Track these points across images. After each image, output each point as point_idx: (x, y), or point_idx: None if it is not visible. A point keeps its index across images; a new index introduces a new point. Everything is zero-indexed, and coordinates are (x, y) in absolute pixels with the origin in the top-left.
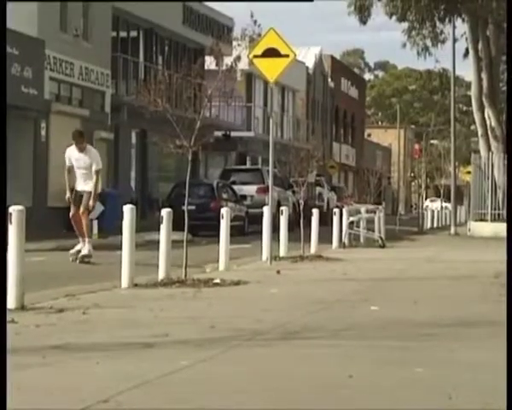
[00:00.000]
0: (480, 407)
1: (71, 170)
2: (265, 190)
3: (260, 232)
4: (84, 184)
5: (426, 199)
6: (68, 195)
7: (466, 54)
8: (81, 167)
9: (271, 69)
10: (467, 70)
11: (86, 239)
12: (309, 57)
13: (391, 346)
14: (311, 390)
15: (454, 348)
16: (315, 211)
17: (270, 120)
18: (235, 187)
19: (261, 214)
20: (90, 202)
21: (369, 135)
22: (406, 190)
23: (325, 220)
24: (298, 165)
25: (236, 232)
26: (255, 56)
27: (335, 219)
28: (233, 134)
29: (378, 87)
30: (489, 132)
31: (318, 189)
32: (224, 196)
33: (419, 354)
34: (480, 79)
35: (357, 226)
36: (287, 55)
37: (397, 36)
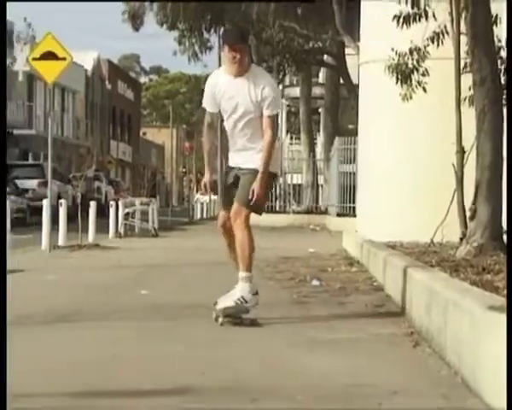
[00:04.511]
0: (230, 384)
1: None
2: (46, 184)
3: (41, 223)
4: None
5: (196, 192)
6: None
7: None
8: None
9: (49, 71)
10: None
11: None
12: (88, 61)
13: (156, 326)
14: (73, 369)
15: (210, 327)
16: (92, 203)
17: (49, 119)
18: (18, 181)
19: (42, 207)
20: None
21: (145, 133)
22: (179, 184)
23: (103, 212)
24: (77, 160)
25: (19, 223)
26: (34, 59)
27: (112, 210)
28: (15, 132)
29: (153, 89)
30: None
31: (97, 183)
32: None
33: (181, 333)
34: None
35: (133, 217)
36: (64, 59)
37: (171, 43)
